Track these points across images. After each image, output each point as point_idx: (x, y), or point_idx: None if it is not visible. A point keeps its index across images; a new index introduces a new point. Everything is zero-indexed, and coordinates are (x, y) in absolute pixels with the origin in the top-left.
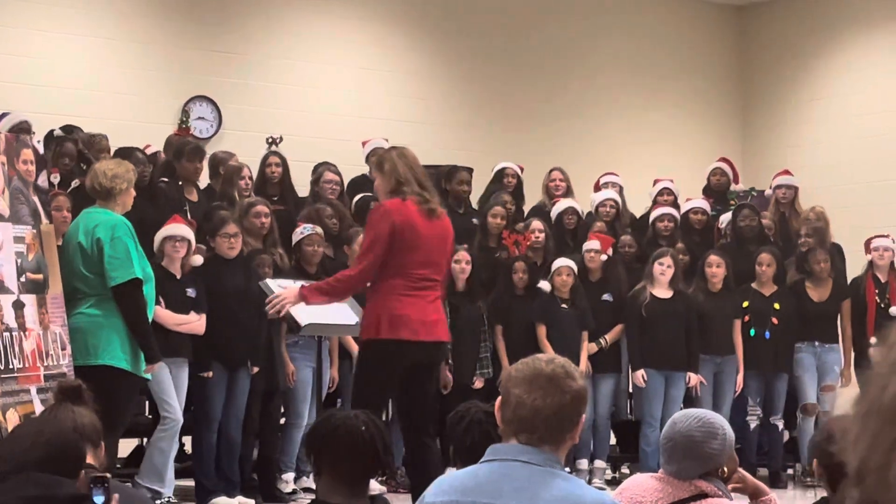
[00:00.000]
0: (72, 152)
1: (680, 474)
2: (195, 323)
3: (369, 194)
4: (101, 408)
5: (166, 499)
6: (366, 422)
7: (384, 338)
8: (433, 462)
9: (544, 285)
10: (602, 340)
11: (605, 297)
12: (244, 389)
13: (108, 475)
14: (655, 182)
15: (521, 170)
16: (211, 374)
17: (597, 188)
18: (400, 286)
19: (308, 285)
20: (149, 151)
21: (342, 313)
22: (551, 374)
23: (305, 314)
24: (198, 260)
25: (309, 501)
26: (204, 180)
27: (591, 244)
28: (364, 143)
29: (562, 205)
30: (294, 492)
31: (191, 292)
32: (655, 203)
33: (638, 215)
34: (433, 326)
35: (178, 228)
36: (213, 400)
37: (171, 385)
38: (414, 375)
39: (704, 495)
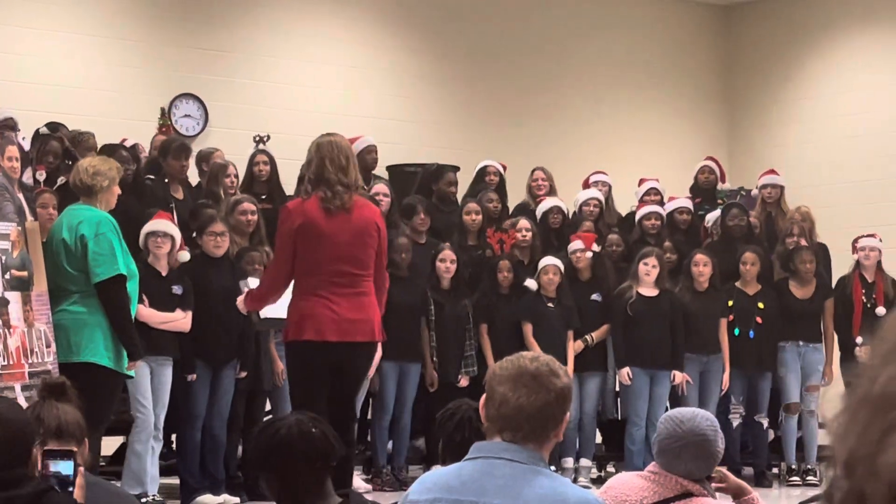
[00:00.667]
0: (56, 150)
1: (690, 475)
2: (180, 321)
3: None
4: (85, 405)
5: (151, 497)
6: (312, 422)
7: (292, 339)
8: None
9: (531, 284)
10: (588, 338)
11: (595, 296)
12: (229, 388)
13: (73, 449)
14: (641, 182)
15: (504, 168)
16: (195, 376)
17: (585, 186)
18: (312, 285)
19: (249, 292)
20: (127, 144)
21: None
22: (536, 372)
23: (265, 310)
24: (185, 256)
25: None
26: (194, 178)
27: (575, 244)
28: (352, 141)
29: (547, 204)
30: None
31: (176, 289)
32: (642, 202)
33: (623, 214)
34: (349, 326)
35: (161, 224)
36: (197, 398)
37: (147, 386)
38: (336, 374)
39: (690, 494)
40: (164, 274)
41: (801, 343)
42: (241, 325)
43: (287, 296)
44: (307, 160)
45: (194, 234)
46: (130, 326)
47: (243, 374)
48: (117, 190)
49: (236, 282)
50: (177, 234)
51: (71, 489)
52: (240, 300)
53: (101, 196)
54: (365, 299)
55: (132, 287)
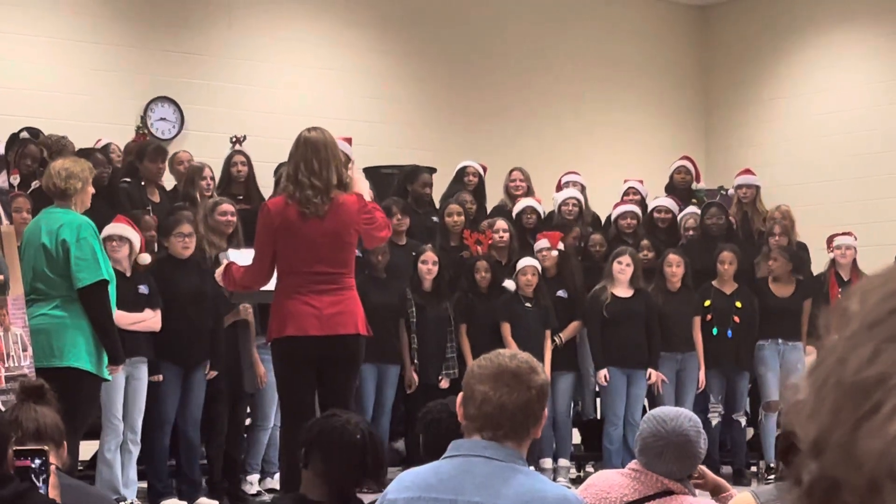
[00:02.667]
0: (35, 154)
1: (672, 474)
2: (150, 320)
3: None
4: (64, 409)
5: (129, 502)
6: (363, 431)
7: (275, 337)
8: None
9: (509, 284)
10: (556, 339)
11: (560, 293)
12: (200, 390)
13: (45, 447)
14: (625, 182)
15: (485, 170)
16: (161, 377)
17: (559, 188)
18: (293, 284)
19: (229, 266)
20: (99, 145)
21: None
22: (516, 370)
23: None
24: (145, 258)
25: (290, 493)
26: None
27: (541, 243)
28: None
29: (521, 204)
30: (258, 493)
31: (143, 289)
32: (622, 202)
33: (601, 214)
34: (330, 320)
35: (117, 228)
36: (165, 402)
37: (120, 395)
38: (325, 371)
39: (670, 492)
40: (128, 275)
41: (780, 341)
42: (211, 327)
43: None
44: (289, 155)
45: (161, 237)
46: (114, 331)
47: (212, 374)
48: (91, 190)
49: (204, 283)
50: (134, 237)
51: (42, 488)
52: (218, 272)
53: (76, 198)
54: (346, 294)
55: (111, 291)
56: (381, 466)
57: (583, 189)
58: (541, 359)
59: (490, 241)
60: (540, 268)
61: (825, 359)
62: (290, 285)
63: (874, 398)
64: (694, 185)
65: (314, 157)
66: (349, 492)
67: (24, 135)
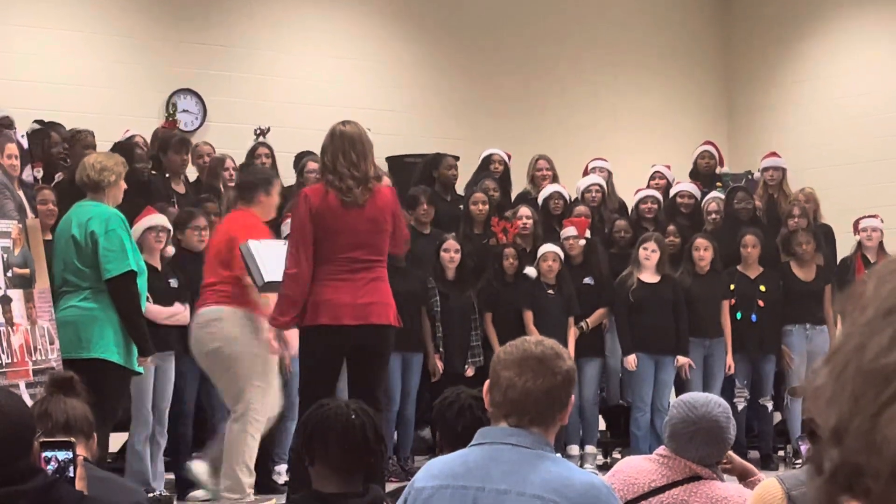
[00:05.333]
0: (59, 141)
1: (701, 460)
2: (182, 314)
3: None
4: (93, 401)
5: (158, 493)
6: (356, 411)
7: (307, 324)
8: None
9: (530, 271)
10: (583, 324)
11: (587, 280)
12: None
13: (72, 439)
14: (653, 166)
15: (509, 157)
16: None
17: (585, 173)
18: (329, 272)
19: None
20: (125, 136)
21: None
22: (541, 356)
23: (265, 274)
24: (170, 251)
25: (304, 491)
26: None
27: (568, 231)
28: None
29: (547, 190)
30: (287, 483)
31: (173, 282)
32: (647, 187)
33: (626, 200)
34: (364, 309)
35: (157, 219)
36: (186, 393)
37: (150, 386)
38: (356, 360)
39: (698, 477)
40: (159, 269)
41: (807, 326)
42: None
43: (282, 257)
44: (322, 147)
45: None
46: (142, 323)
47: None
48: (124, 185)
49: None
50: (171, 227)
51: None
52: (270, 334)
53: (109, 191)
54: (380, 284)
55: (141, 283)
56: (382, 443)
57: (609, 175)
58: (563, 345)
59: (516, 231)
60: (562, 254)
61: (843, 345)
62: (324, 273)
63: (894, 385)
64: (719, 170)
65: (352, 149)
66: (359, 476)
67: (35, 126)
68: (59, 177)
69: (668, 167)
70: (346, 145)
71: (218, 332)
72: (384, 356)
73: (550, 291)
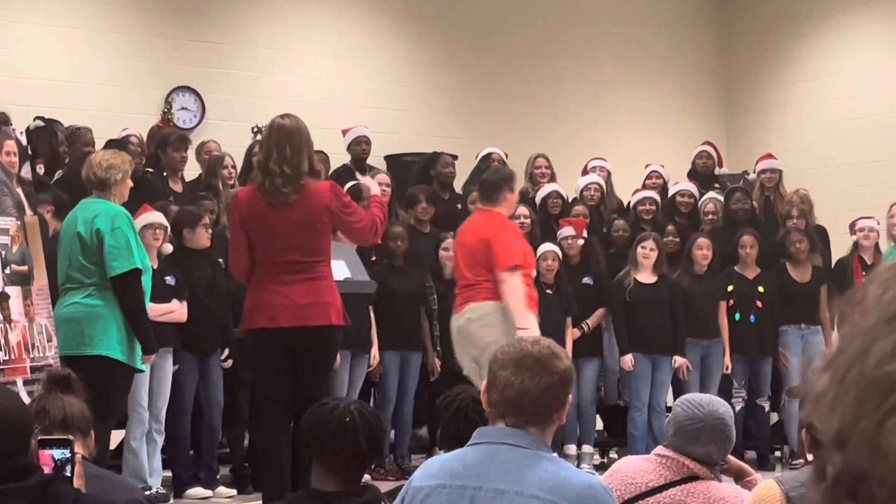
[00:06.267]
0: (63, 140)
1: (708, 457)
2: (179, 311)
3: (358, 182)
4: (95, 398)
5: (154, 490)
6: (353, 412)
7: (247, 328)
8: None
9: None
10: (584, 325)
11: (586, 280)
12: (218, 377)
13: (70, 437)
14: (647, 166)
15: (506, 156)
16: (176, 366)
17: (585, 172)
18: (267, 274)
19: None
20: (124, 135)
21: (335, 270)
22: (538, 355)
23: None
24: (168, 248)
25: (302, 489)
26: (190, 172)
27: (566, 231)
28: (344, 132)
29: (546, 189)
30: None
31: (170, 280)
32: (644, 186)
33: (624, 200)
34: (302, 311)
35: (155, 216)
36: (185, 391)
37: (146, 383)
38: (300, 363)
39: (696, 477)
40: (155, 266)
41: (803, 326)
42: (225, 316)
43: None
44: (260, 142)
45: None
46: (146, 320)
47: (228, 364)
48: (130, 183)
49: (217, 272)
50: (168, 225)
51: (67, 476)
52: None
53: (115, 189)
54: (319, 283)
55: (145, 281)
56: (378, 444)
57: (608, 175)
58: (562, 345)
59: None
60: (560, 254)
61: (844, 350)
62: (262, 275)
63: None
64: (717, 171)
65: (287, 143)
66: (356, 475)
67: (39, 123)
68: (58, 174)
69: (663, 166)
70: (281, 140)
71: (493, 326)
72: (327, 358)
73: (549, 291)
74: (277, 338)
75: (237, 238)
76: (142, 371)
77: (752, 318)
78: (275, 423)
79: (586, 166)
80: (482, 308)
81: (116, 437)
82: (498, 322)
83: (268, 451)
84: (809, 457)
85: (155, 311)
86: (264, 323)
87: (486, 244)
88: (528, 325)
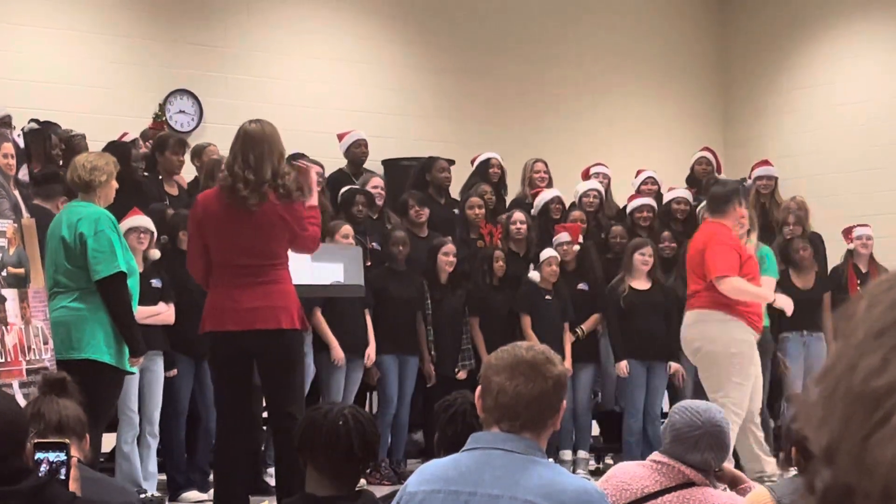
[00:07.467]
0: (59, 143)
1: (706, 464)
2: (165, 313)
3: (355, 187)
4: (86, 401)
5: (149, 494)
6: (346, 417)
7: (200, 332)
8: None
9: (534, 275)
10: (579, 330)
11: (581, 285)
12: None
13: (66, 440)
14: (638, 173)
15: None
16: (175, 371)
17: (585, 176)
18: (222, 278)
19: None
20: (126, 139)
21: (327, 272)
22: (532, 361)
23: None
24: (155, 254)
25: (297, 494)
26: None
27: (562, 237)
28: (340, 137)
29: (547, 194)
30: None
31: (156, 283)
32: (638, 192)
33: (621, 206)
34: (249, 314)
35: (141, 220)
36: (180, 394)
37: (135, 387)
38: (260, 369)
39: (691, 483)
40: (141, 269)
41: (804, 333)
42: None
43: (305, 260)
44: (230, 146)
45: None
46: (133, 323)
47: None
48: (115, 184)
49: None
50: (154, 229)
51: (63, 479)
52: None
53: (100, 191)
54: (270, 287)
55: (132, 283)
56: (371, 448)
57: (609, 181)
58: (560, 351)
59: (500, 235)
60: (559, 259)
61: (834, 365)
62: (217, 278)
63: (884, 408)
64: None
65: (251, 150)
66: (350, 480)
67: (33, 125)
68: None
69: (655, 172)
70: (245, 146)
71: (699, 333)
72: (285, 362)
73: (548, 297)
74: (227, 341)
75: (192, 238)
76: (132, 373)
77: None
78: (229, 426)
79: (588, 171)
80: (692, 316)
81: (106, 440)
82: (708, 328)
83: (221, 453)
84: (793, 470)
85: (141, 313)
86: (211, 326)
87: (701, 255)
88: (773, 297)
